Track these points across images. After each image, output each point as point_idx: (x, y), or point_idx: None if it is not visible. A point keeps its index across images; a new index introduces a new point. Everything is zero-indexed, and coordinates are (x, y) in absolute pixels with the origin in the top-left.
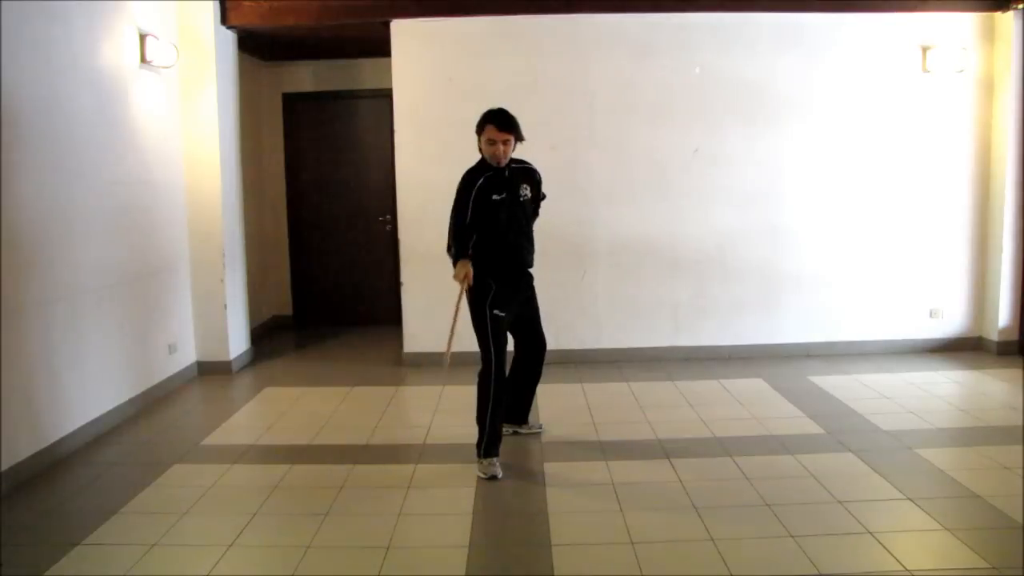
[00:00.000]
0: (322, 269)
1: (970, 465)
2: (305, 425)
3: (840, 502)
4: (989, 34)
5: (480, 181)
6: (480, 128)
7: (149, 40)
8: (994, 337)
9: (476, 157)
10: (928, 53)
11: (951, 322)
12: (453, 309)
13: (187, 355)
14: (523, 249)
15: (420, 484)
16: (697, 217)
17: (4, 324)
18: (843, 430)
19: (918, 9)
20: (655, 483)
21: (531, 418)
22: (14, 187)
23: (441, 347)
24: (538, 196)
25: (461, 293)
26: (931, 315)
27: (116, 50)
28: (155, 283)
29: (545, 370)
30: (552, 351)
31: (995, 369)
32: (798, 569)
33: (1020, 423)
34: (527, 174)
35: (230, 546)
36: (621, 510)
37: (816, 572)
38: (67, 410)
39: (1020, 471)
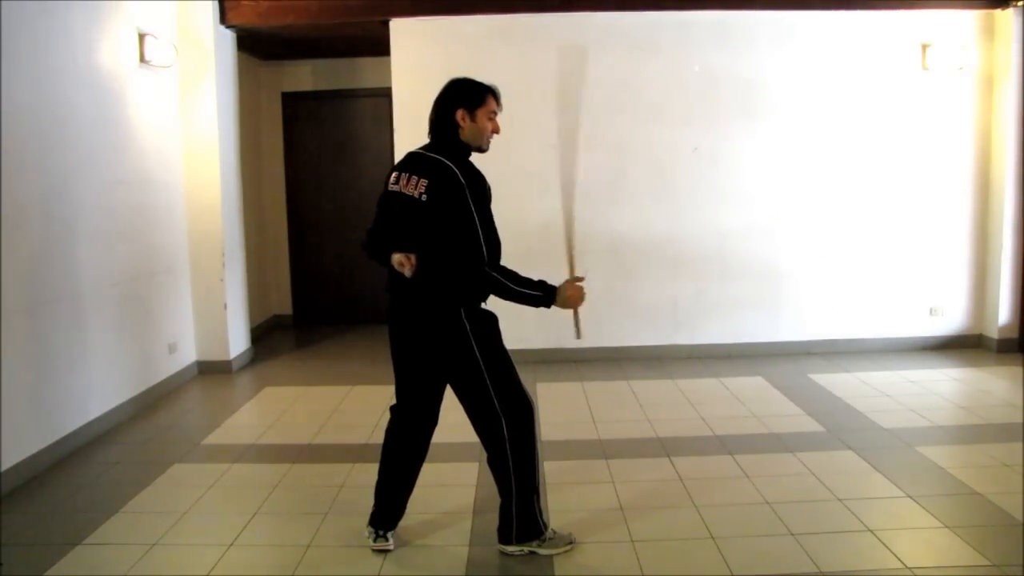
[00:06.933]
0: (322, 269)
1: (970, 463)
2: (305, 425)
3: (840, 500)
4: (989, 31)
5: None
6: (477, 100)
7: (148, 40)
8: (994, 335)
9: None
10: (928, 50)
11: (951, 320)
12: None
13: (187, 355)
14: None
15: (420, 483)
16: (697, 215)
17: (5, 324)
18: (843, 428)
19: (918, 6)
20: (655, 481)
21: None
22: (14, 187)
23: None
24: None
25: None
26: (931, 313)
27: (115, 50)
28: (155, 283)
29: (545, 369)
30: (552, 349)
31: (995, 367)
32: (799, 567)
33: (1020, 420)
34: None
35: (230, 546)
36: (621, 509)
37: (816, 570)
38: (67, 410)
39: (1020, 468)
